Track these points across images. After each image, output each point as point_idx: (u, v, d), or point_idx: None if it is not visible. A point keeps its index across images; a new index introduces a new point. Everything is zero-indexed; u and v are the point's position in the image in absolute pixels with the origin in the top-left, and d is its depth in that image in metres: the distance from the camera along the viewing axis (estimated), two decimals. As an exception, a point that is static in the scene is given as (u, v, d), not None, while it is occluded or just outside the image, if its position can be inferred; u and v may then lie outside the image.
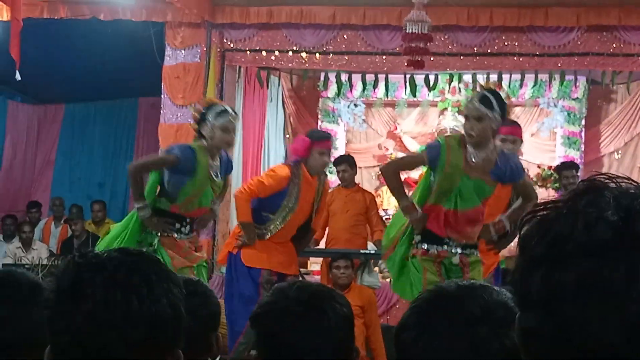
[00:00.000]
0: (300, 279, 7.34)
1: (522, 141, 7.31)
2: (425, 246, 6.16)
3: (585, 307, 1.11)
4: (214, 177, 6.63)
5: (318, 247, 9.95)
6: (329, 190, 8.53)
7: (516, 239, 1.24)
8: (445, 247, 6.15)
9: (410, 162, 7.15)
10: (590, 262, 1.11)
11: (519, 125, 7.55)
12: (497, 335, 1.61)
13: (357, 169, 10.10)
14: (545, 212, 1.19)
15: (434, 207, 6.10)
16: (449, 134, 11.85)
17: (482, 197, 6.11)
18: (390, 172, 6.27)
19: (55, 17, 11.18)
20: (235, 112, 6.74)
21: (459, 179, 6.00)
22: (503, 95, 6.03)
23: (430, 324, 1.65)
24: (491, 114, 5.81)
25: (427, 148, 6.27)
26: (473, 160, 5.97)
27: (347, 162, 9.97)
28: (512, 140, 6.89)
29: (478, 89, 6.27)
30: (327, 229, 9.90)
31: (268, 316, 2.43)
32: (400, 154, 12.46)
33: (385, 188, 12.78)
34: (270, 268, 7.23)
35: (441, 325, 1.64)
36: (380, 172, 6.33)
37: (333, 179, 10.64)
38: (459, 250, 6.17)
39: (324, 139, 7.31)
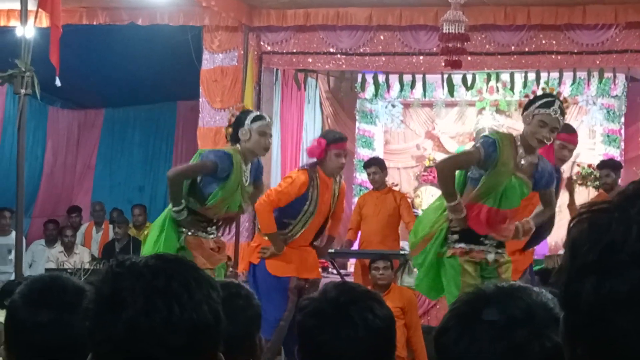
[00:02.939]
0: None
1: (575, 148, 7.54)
2: (463, 245, 6.10)
3: (637, 317, 1.09)
4: (244, 182, 6.57)
5: (352, 249, 9.96)
6: (361, 195, 8.48)
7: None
8: (481, 246, 6.10)
9: (468, 160, 6.24)
10: None
11: (576, 132, 7.66)
12: (538, 337, 1.60)
13: (396, 170, 10.08)
14: (594, 215, 1.17)
15: (474, 205, 6.02)
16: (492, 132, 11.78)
17: (522, 199, 6.11)
18: (447, 170, 6.05)
19: (94, 23, 11.29)
20: (269, 119, 6.84)
21: (507, 178, 5.98)
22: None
23: (470, 327, 1.64)
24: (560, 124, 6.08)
25: (483, 144, 6.02)
26: (522, 162, 5.99)
27: (377, 165, 9.97)
28: (570, 149, 7.15)
29: (542, 92, 6.40)
30: (359, 231, 9.91)
31: (305, 310, 2.45)
32: (439, 155, 12.42)
33: (424, 189, 12.77)
34: (298, 275, 7.21)
35: (481, 328, 1.62)
36: (435, 168, 6.25)
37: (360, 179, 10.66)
38: (495, 250, 6.15)
39: (340, 140, 7.26)
